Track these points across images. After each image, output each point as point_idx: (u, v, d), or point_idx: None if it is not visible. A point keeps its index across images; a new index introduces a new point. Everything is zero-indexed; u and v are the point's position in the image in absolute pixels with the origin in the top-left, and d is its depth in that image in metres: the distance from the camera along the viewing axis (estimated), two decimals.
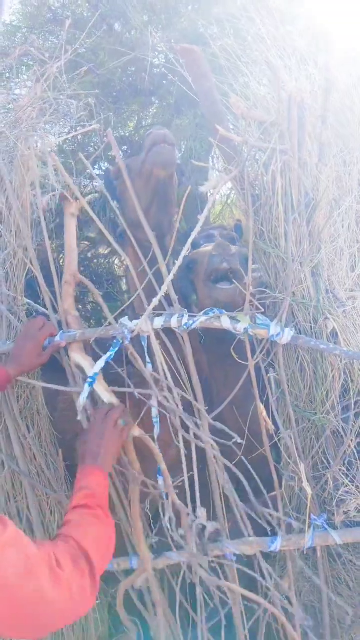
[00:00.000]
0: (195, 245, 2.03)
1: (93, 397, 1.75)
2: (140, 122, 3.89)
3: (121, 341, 1.75)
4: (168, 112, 3.39)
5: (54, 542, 1.16)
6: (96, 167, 3.54)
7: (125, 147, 3.81)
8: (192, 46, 1.69)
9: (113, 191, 1.95)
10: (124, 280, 3.81)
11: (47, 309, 1.88)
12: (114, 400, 1.72)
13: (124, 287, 3.79)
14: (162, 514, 1.81)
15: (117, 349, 1.76)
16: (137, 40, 3.18)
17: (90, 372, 1.74)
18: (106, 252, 3.80)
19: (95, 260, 3.91)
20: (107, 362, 1.75)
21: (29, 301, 2.01)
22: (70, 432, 1.95)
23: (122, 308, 2.01)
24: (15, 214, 1.93)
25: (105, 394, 1.73)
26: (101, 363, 1.75)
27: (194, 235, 1.73)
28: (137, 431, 1.72)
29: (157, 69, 3.09)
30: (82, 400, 1.71)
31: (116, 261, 3.85)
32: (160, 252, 1.77)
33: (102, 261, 3.91)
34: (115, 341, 1.76)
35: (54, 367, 1.90)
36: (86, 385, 1.73)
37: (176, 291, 1.80)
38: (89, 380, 1.73)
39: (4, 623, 0.99)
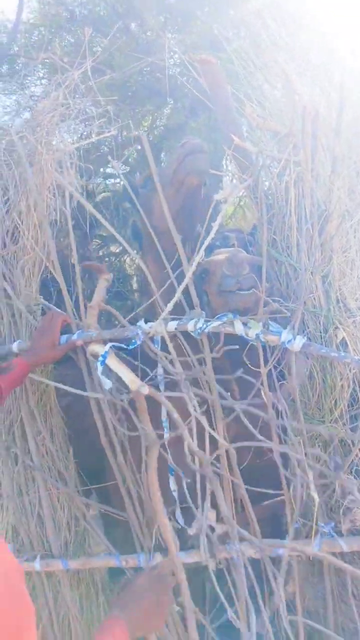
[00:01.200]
0: (211, 248, 2.04)
1: None
2: (154, 121, 3.89)
3: (139, 342, 1.79)
4: (182, 114, 3.39)
5: None
6: (109, 166, 3.56)
7: (138, 147, 3.83)
8: (210, 57, 1.71)
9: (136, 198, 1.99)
10: (134, 279, 3.84)
11: (65, 310, 1.93)
12: (129, 372, 1.74)
13: (134, 286, 3.82)
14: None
15: (137, 344, 1.80)
16: (152, 41, 3.18)
17: (101, 351, 1.77)
18: (117, 250, 3.82)
19: (107, 259, 3.93)
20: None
21: (44, 302, 2.05)
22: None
23: (136, 311, 2.05)
24: (36, 214, 1.97)
25: (119, 368, 1.74)
26: (112, 344, 1.80)
27: (207, 242, 1.75)
28: (146, 389, 1.66)
29: (172, 70, 3.09)
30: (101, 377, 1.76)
31: (127, 260, 3.88)
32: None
33: (113, 259, 3.93)
34: (134, 341, 1.80)
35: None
36: (98, 363, 1.76)
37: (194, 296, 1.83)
38: (101, 358, 1.76)
39: None
